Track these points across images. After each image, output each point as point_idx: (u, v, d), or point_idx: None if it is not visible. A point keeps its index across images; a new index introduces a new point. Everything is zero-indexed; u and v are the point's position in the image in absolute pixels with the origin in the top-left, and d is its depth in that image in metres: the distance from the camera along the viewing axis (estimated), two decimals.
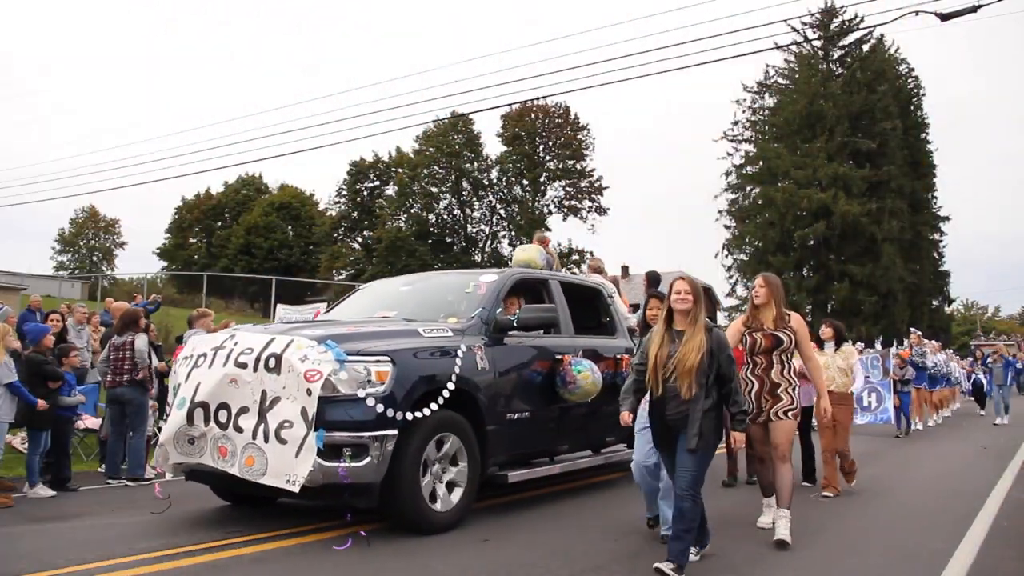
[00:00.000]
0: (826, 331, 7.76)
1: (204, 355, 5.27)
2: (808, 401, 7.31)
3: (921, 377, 14.32)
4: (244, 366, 4.98)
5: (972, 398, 21.49)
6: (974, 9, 10.28)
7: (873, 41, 40.95)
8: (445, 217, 46.56)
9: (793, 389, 5.39)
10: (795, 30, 34.30)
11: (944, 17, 10.48)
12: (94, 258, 63.22)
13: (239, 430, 4.89)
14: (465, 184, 46.09)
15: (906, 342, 15.57)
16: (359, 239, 49.20)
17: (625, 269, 53.84)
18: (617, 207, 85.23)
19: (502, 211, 47.18)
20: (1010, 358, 18.31)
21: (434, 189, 45.96)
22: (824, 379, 6.33)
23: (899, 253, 39.07)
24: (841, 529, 5.77)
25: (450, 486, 5.44)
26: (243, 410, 4.92)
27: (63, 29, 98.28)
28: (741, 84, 46.03)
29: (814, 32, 39.24)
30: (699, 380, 4.27)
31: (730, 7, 14.21)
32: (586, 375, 6.32)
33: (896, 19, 11.15)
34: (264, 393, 4.86)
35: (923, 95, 45.44)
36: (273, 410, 4.81)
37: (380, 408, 4.85)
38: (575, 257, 44.08)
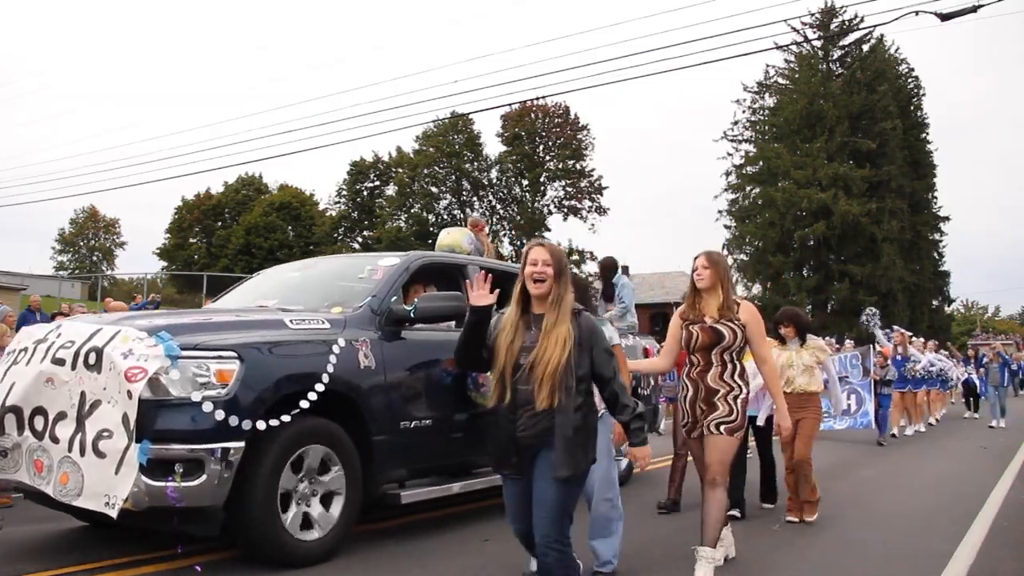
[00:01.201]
0: (786, 330, 6.37)
1: (25, 349, 4.44)
2: (771, 409, 6.16)
3: (904, 378, 13.36)
4: (62, 363, 4.14)
5: (962, 400, 20.06)
6: (974, 9, 10.28)
7: (873, 41, 40.95)
8: (445, 217, 46.57)
9: (736, 398, 4.32)
10: (795, 30, 34.27)
11: (944, 17, 10.49)
12: (94, 258, 63.25)
13: (55, 440, 4.05)
14: (465, 184, 46.12)
15: (887, 340, 14.23)
16: (359, 239, 49.21)
17: (625, 269, 53.92)
18: (617, 207, 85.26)
19: (502, 211, 47.21)
20: (1007, 357, 16.99)
21: (434, 189, 46.01)
22: (779, 383, 5.38)
23: (899, 253, 39.08)
24: (841, 529, 5.77)
25: (325, 503, 4.54)
26: (60, 416, 4.09)
27: (63, 29, 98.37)
28: (741, 84, 46.10)
29: (814, 32, 39.23)
30: (564, 384, 3.22)
31: (730, 7, 14.22)
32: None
33: (896, 19, 11.16)
34: (83, 395, 4.02)
35: (923, 95, 45.49)
36: (92, 416, 3.97)
37: (221, 415, 3.94)
38: (575, 257, 44.12)
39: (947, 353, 19.08)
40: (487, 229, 7.32)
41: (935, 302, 45.47)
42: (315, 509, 4.46)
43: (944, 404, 18.19)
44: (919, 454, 10.97)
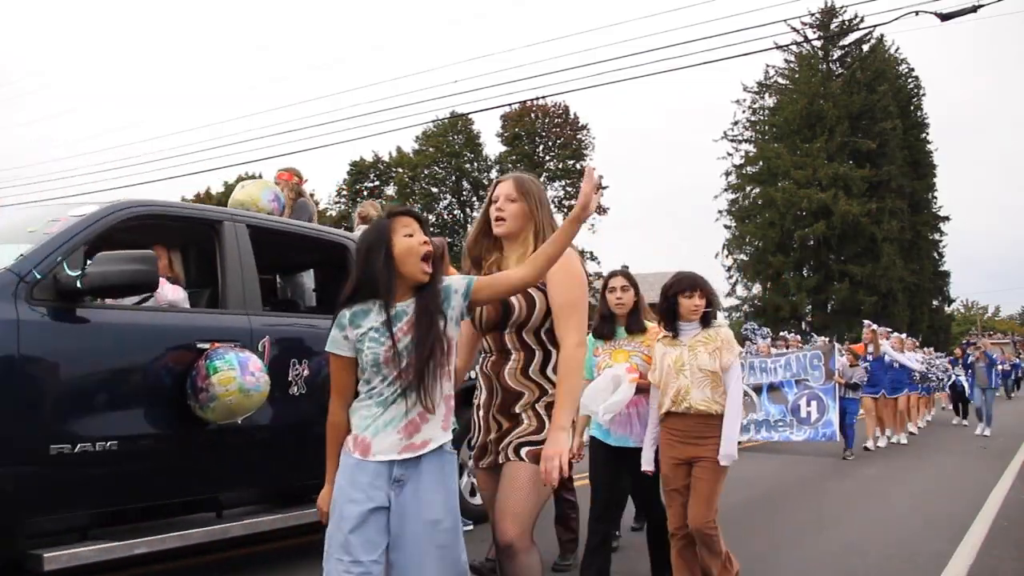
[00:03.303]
0: (687, 304, 3.73)
1: None
2: (658, 440, 3.87)
3: (879, 381, 11.69)
4: None
5: (950, 405, 18.18)
6: (974, 9, 10.29)
7: (873, 41, 40.98)
8: (445, 217, 46.57)
9: (549, 405, 2.63)
10: (795, 30, 34.29)
11: (944, 17, 10.49)
12: None
13: None
14: (465, 184, 46.12)
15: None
16: None
17: (625, 269, 53.98)
18: (617, 207, 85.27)
19: None
20: (994, 356, 15.28)
21: (434, 189, 46.00)
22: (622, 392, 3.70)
23: (899, 253, 39.11)
24: (841, 529, 5.77)
25: None
26: None
27: (63, 29, 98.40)
28: (741, 84, 46.02)
29: (814, 32, 39.26)
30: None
31: (730, 7, 14.23)
32: (227, 376, 3.53)
33: (896, 19, 11.19)
34: None
35: (923, 95, 45.51)
36: None
37: None
38: None
39: (931, 352, 17.71)
40: (305, 183, 6.02)
41: (935, 302, 45.51)
42: None
43: (930, 409, 16.71)
44: (919, 454, 10.97)
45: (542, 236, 2.77)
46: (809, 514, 6.39)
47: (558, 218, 3.03)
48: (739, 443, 5.47)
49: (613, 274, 4.22)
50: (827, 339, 11.99)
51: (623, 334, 4.06)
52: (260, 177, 50.79)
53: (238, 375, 3.55)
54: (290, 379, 4.12)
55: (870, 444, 11.19)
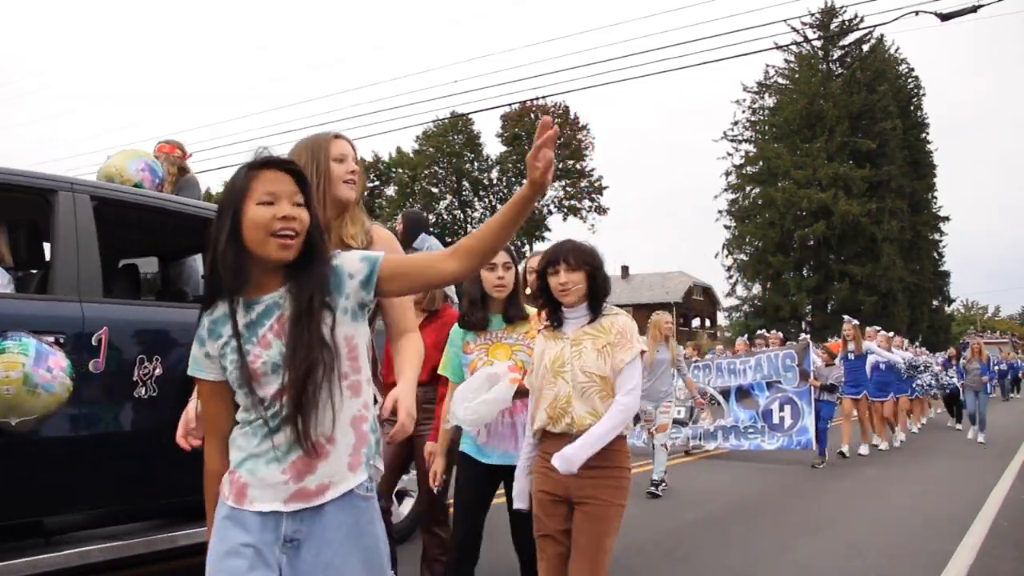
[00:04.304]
0: (565, 280, 2.72)
1: None
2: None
3: (859, 382, 10.43)
4: None
5: (942, 408, 17.16)
6: (974, 9, 10.29)
7: (873, 41, 40.99)
8: (445, 217, 46.59)
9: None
10: (795, 30, 34.32)
11: (944, 17, 10.49)
12: None
13: None
14: (465, 184, 46.13)
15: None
16: None
17: (625, 269, 54.03)
18: (617, 207, 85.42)
19: None
20: (991, 357, 14.04)
21: (434, 189, 46.03)
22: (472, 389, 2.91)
23: (899, 253, 39.13)
24: (841, 529, 5.77)
25: None
26: None
27: (63, 29, 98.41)
28: (741, 84, 46.10)
29: (814, 32, 39.27)
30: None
31: (730, 7, 14.24)
32: (13, 361, 2.74)
33: (896, 19, 11.20)
34: None
35: (923, 95, 45.53)
36: None
37: None
38: None
39: (921, 351, 16.37)
40: (189, 157, 5.37)
41: (935, 302, 45.53)
42: None
43: (924, 413, 15.55)
44: (918, 454, 10.96)
45: (355, 211, 2.34)
46: (808, 514, 6.39)
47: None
48: (705, 450, 5.19)
49: None
50: (803, 336, 11.10)
51: (500, 324, 3.17)
52: None
53: (29, 364, 2.76)
54: (136, 379, 3.30)
55: (846, 450, 9.93)
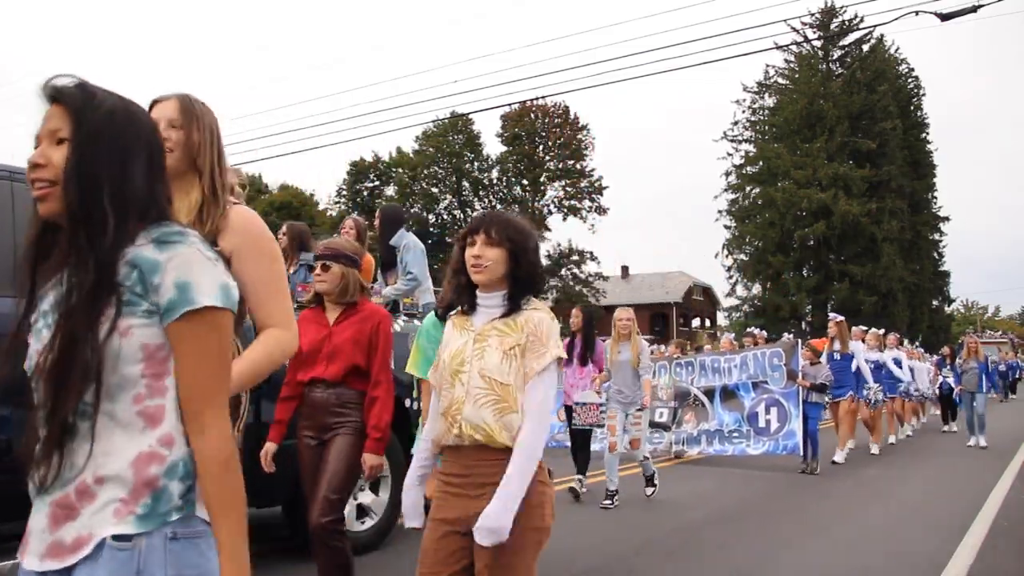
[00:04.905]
0: (481, 255, 2.23)
1: None
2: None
3: (848, 382, 9.69)
4: None
5: (936, 411, 16.20)
6: (974, 9, 10.29)
7: (873, 41, 41.01)
8: (445, 217, 46.58)
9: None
10: (795, 30, 34.31)
11: (944, 17, 10.49)
12: None
13: None
14: (465, 184, 46.13)
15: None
16: None
17: (625, 269, 54.03)
18: (617, 207, 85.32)
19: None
20: (989, 357, 13.19)
21: (434, 189, 46.01)
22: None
23: (899, 253, 39.16)
24: (841, 529, 5.77)
25: None
26: None
27: (63, 29, 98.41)
28: (741, 84, 46.12)
29: (814, 32, 39.28)
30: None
31: (730, 7, 14.24)
32: None
33: (896, 19, 11.19)
34: None
35: (923, 95, 45.59)
36: None
37: None
38: (575, 257, 44.14)
39: (920, 353, 15.48)
40: None
41: (935, 302, 45.57)
42: None
43: (918, 415, 14.69)
44: (918, 455, 10.96)
45: (211, 183, 1.99)
46: (808, 514, 6.39)
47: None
48: (686, 454, 4.87)
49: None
50: (790, 335, 10.46)
51: None
52: (260, 177, 49.88)
53: None
54: None
55: (838, 457, 9.36)
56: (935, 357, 17.21)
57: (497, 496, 2.09)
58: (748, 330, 15.90)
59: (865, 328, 11.72)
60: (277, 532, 4.91)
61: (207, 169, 2.00)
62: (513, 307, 2.23)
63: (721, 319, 49.20)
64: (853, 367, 9.88)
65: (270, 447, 3.37)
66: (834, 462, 9.15)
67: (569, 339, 6.96)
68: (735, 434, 9.14)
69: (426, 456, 2.39)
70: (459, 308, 2.33)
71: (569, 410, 6.88)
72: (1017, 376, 28.96)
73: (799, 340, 9.34)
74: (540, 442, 2.17)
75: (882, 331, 12.27)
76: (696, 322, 51.78)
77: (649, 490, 6.75)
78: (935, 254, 45.37)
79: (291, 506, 4.32)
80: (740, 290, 41.74)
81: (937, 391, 14.84)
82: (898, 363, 11.96)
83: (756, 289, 41.34)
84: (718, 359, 9.73)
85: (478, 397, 2.17)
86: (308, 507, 3.24)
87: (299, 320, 3.43)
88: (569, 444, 7.22)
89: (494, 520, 2.06)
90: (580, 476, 6.89)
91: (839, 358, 9.60)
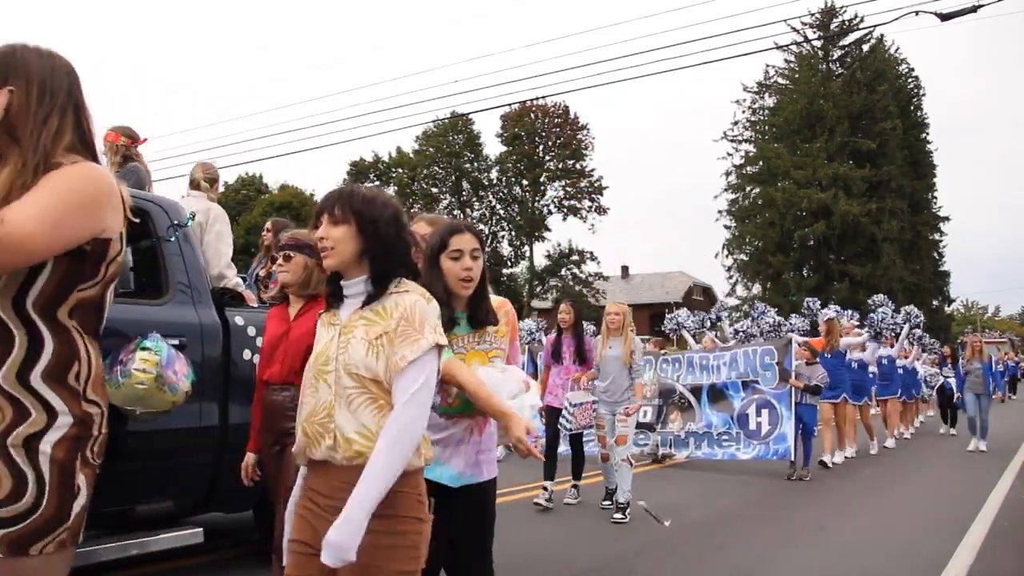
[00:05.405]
0: (324, 233, 1.95)
1: None
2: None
3: (841, 382, 9.26)
4: None
5: (932, 412, 15.69)
6: (974, 9, 10.28)
7: (873, 41, 41.02)
8: (445, 217, 46.63)
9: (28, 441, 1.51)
10: (795, 30, 34.35)
11: (944, 17, 10.49)
12: None
13: None
14: (465, 184, 46.14)
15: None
16: None
17: (625, 269, 54.02)
18: (617, 207, 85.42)
19: (502, 211, 47.21)
20: (993, 357, 12.56)
21: (434, 189, 46.02)
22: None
23: (899, 253, 39.16)
24: (841, 529, 5.77)
25: None
26: None
27: (63, 29, 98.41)
28: (741, 84, 46.18)
29: (814, 32, 39.29)
30: None
31: (730, 7, 14.24)
32: (151, 359, 3.15)
33: (896, 19, 11.18)
34: None
35: (923, 95, 45.56)
36: None
37: None
38: (575, 257, 44.13)
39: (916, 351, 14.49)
40: (144, 142, 5.04)
41: (935, 302, 45.53)
42: None
43: (915, 417, 14.19)
44: (918, 455, 10.96)
45: (36, 145, 1.59)
46: (808, 514, 6.39)
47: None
48: (673, 457, 4.63)
49: (453, 228, 2.55)
50: (786, 331, 9.95)
51: (466, 327, 2.54)
52: (260, 177, 49.81)
53: (161, 363, 3.16)
54: None
55: (827, 459, 8.91)
56: (933, 356, 16.63)
57: (349, 505, 1.76)
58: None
59: (855, 322, 11.37)
60: (248, 536, 4.75)
61: (33, 133, 1.59)
62: (378, 291, 1.93)
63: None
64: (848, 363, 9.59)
65: (250, 458, 3.20)
66: (822, 463, 8.71)
67: (555, 336, 6.68)
68: (724, 436, 8.64)
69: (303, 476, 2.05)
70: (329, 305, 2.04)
71: (553, 413, 6.37)
72: (1019, 376, 28.88)
73: (793, 338, 8.86)
74: (408, 440, 1.83)
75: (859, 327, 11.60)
76: None
77: (618, 515, 5.88)
78: (935, 254, 45.37)
79: (260, 509, 4.15)
80: (740, 290, 41.78)
81: (937, 394, 14.42)
82: (891, 361, 11.66)
83: (756, 289, 41.34)
84: (707, 356, 9.23)
85: (352, 398, 1.86)
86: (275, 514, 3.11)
87: (266, 317, 3.42)
88: (545, 449, 6.46)
89: (338, 535, 1.74)
90: (575, 481, 6.69)
91: (830, 356, 9.17)
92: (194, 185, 4.99)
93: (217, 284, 4.17)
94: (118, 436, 3.15)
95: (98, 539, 3.36)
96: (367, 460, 1.80)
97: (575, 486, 6.68)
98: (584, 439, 7.03)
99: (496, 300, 2.63)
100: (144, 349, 3.16)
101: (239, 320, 3.89)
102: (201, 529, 3.56)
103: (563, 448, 6.86)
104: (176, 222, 3.82)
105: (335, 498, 1.84)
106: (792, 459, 8.05)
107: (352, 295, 1.96)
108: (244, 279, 4.44)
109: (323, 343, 1.98)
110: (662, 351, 10.67)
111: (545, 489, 6.37)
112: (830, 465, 8.85)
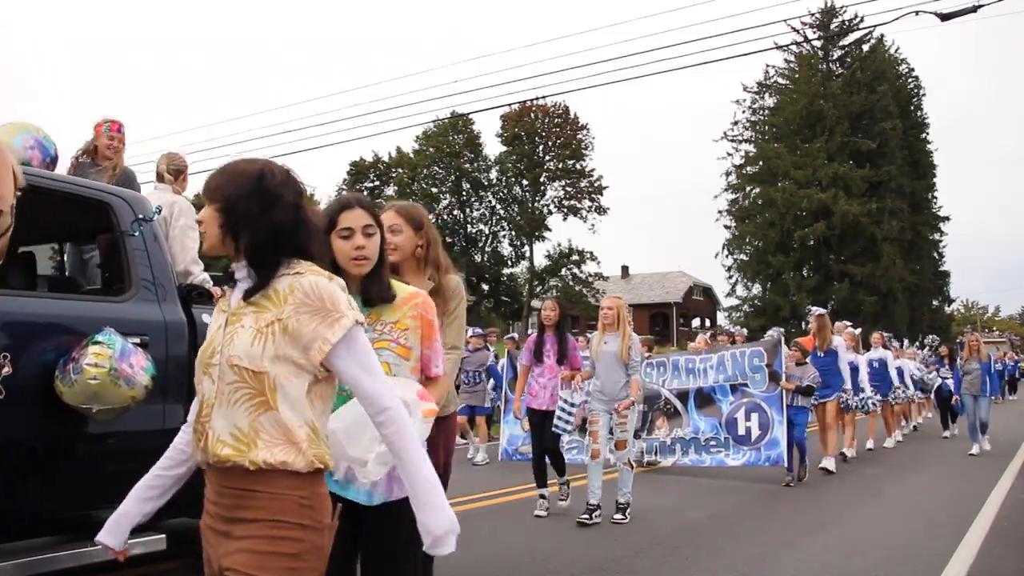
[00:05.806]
0: (200, 216, 1.78)
1: None
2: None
3: (834, 382, 8.78)
4: None
5: (930, 413, 15.43)
6: (974, 9, 10.29)
7: (873, 41, 41.02)
8: (445, 217, 46.58)
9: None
10: (795, 30, 34.28)
11: (944, 17, 10.50)
12: None
13: None
14: (465, 184, 46.14)
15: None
16: None
17: (625, 269, 54.01)
18: (617, 207, 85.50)
19: (502, 211, 47.22)
20: (992, 358, 12.30)
21: (434, 189, 46.02)
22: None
23: (899, 253, 39.17)
24: (841, 529, 5.77)
25: None
26: None
27: (63, 29, 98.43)
28: (741, 84, 46.10)
29: (814, 32, 39.28)
30: None
31: (730, 7, 14.24)
32: (102, 353, 3.04)
33: (896, 19, 11.20)
34: None
35: (923, 95, 45.59)
36: None
37: None
38: (575, 257, 44.15)
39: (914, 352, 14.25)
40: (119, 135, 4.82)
41: (935, 302, 45.59)
42: None
43: (913, 414, 13.81)
44: (918, 455, 10.96)
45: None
46: (808, 514, 6.39)
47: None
48: (659, 464, 4.46)
49: (342, 204, 2.28)
50: (772, 332, 9.60)
51: (362, 310, 2.08)
52: None
53: (114, 357, 3.02)
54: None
55: (827, 463, 8.59)
56: (925, 352, 16.33)
57: (416, 498, 1.71)
58: (726, 328, 15.10)
59: (846, 324, 11.01)
60: None
61: None
62: (263, 275, 1.69)
63: (721, 319, 49.19)
64: (843, 367, 9.06)
65: None
66: (823, 469, 8.43)
67: (537, 334, 6.36)
68: (712, 442, 8.24)
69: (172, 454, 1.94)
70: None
71: (536, 415, 6.19)
72: (1019, 376, 28.80)
73: (782, 338, 8.54)
74: (406, 411, 1.76)
75: (859, 330, 11.24)
76: (696, 322, 51.81)
77: (618, 516, 5.90)
78: (935, 254, 45.40)
79: None
80: (740, 290, 41.78)
81: (935, 396, 14.10)
82: (883, 364, 11.24)
83: (756, 289, 41.37)
84: (692, 359, 8.82)
85: (230, 394, 1.66)
86: None
87: None
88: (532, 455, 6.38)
89: (436, 523, 1.68)
90: (561, 480, 6.37)
91: (822, 355, 8.82)
92: (159, 177, 4.71)
93: (183, 280, 4.01)
94: (77, 438, 3.19)
95: (55, 546, 3.16)
96: (236, 465, 1.62)
97: (565, 483, 6.40)
98: (564, 447, 6.76)
99: (407, 291, 2.34)
100: (96, 343, 3.04)
101: (206, 318, 3.63)
102: (164, 536, 3.35)
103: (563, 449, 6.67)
104: (140, 216, 3.65)
105: (219, 504, 1.70)
106: (787, 466, 7.76)
107: (240, 280, 1.74)
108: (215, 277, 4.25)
109: (211, 332, 1.78)
110: (647, 354, 10.02)
111: (543, 498, 6.18)
112: (832, 470, 8.55)
